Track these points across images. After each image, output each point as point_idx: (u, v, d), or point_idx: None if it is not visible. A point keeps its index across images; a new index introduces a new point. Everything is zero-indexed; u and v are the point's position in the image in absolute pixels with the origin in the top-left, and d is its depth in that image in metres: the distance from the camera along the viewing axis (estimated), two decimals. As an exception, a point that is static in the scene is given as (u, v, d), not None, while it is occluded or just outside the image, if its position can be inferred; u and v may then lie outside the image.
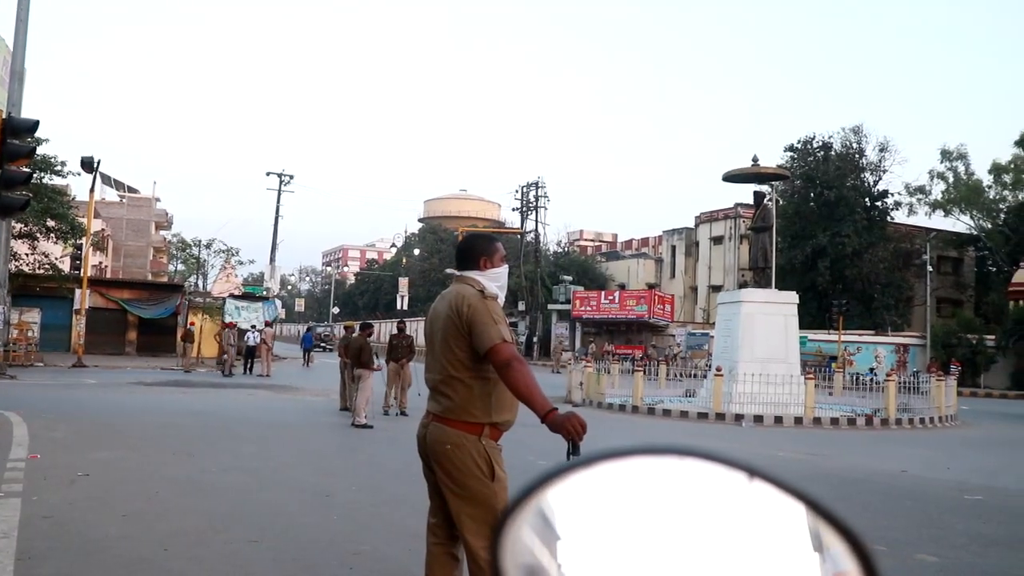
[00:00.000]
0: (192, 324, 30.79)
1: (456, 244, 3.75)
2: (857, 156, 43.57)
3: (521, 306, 49.89)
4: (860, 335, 38.87)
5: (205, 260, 51.18)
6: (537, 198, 50.87)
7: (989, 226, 43.04)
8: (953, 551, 5.98)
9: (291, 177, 45.45)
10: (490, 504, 3.11)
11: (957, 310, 44.93)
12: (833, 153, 43.40)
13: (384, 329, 48.82)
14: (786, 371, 16.96)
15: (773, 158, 41.23)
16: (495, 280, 3.41)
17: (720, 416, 16.45)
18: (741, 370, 16.76)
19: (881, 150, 43.76)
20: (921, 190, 44.11)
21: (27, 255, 29.49)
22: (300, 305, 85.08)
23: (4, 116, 11.52)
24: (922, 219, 45.11)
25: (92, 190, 28.65)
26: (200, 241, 51.90)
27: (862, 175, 43.42)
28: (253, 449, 9.91)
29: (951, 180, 43.39)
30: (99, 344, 31.41)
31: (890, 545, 5.82)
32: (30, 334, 27.52)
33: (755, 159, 19.78)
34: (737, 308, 18.10)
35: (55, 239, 30.08)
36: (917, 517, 7.23)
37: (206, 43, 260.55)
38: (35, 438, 9.64)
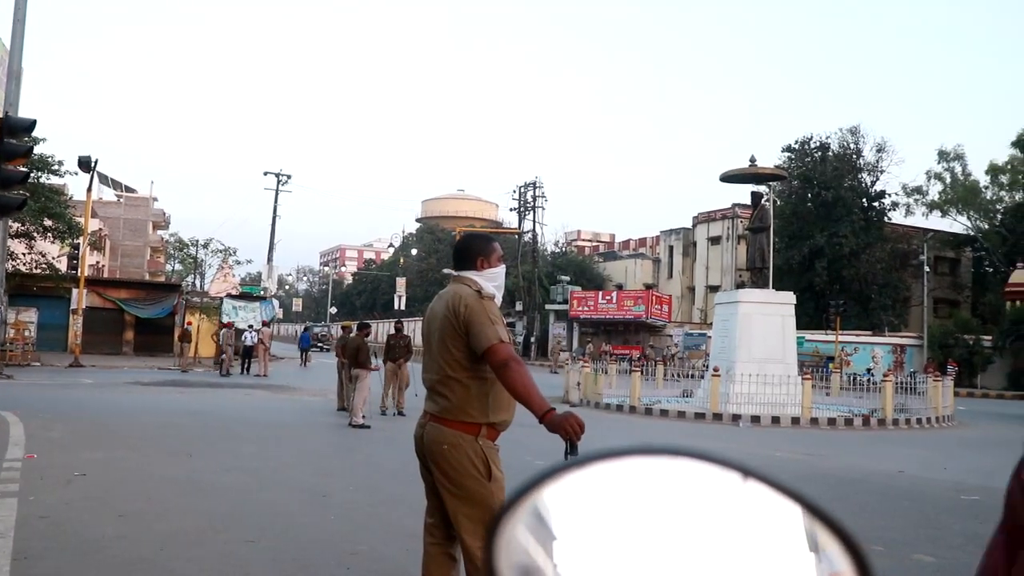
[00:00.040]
0: (189, 324, 30.78)
1: (453, 244, 3.74)
2: (854, 157, 43.61)
3: (519, 306, 49.88)
4: (857, 335, 38.91)
5: (202, 260, 51.21)
6: (535, 198, 50.86)
7: (986, 227, 43.13)
8: (950, 551, 5.98)
9: (289, 177, 45.43)
10: (487, 504, 3.11)
11: (954, 310, 44.99)
12: (830, 154, 43.43)
13: (381, 329, 48.82)
14: (783, 371, 16.97)
15: (771, 158, 41.35)
16: (492, 280, 3.41)
17: (717, 416, 16.46)
18: (738, 370, 16.77)
19: (878, 151, 43.85)
20: (918, 191, 44.22)
21: (24, 254, 29.45)
22: (298, 305, 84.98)
23: (1, 115, 11.50)
24: (919, 220, 45.27)
25: (89, 190, 28.66)
26: (198, 241, 51.96)
27: (859, 176, 43.46)
28: (250, 449, 9.90)
29: (948, 181, 43.48)
30: (96, 344, 31.37)
31: (887, 545, 5.83)
32: (27, 334, 27.50)
33: (752, 159, 19.81)
34: (734, 308, 18.12)
35: (52, 239, 30.05)
36: (914, 517, 7.24)
37: (204, 43, 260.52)
38: (32, 438, 9.63)
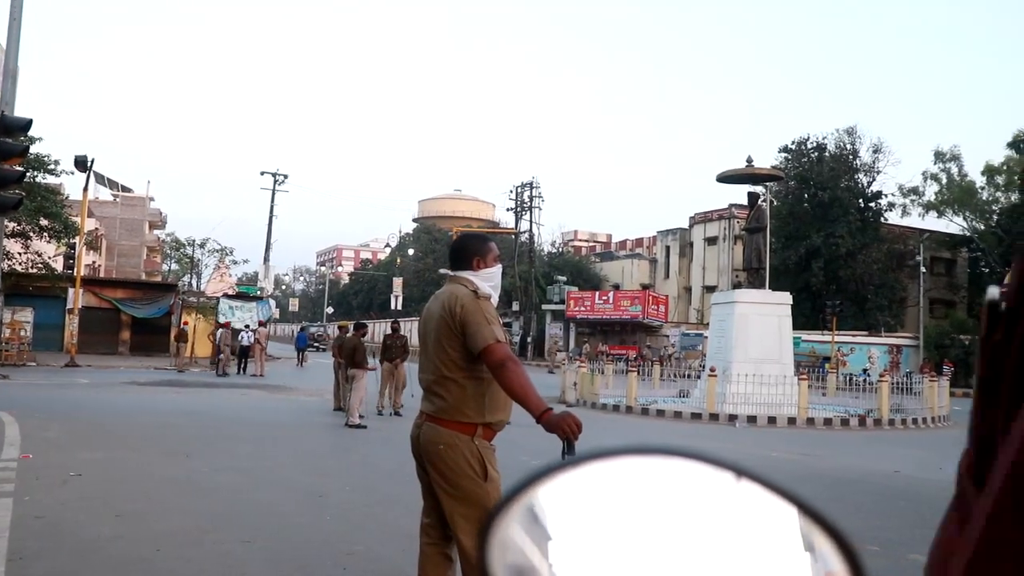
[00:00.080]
0: (186, 324, 30.75)
1: (450, 244, 3.75)
2: (851, 157, 43.71)
3: (515, 306, 49.90)
4: (853, 336, 38.98)
5: (199, 260, 51.00)
6: (531, 198, 50.92)
7: (982, 227, 43.19)
8: (945, 551, 5.98)
9: (285, 177, 45.37)
10: (483, 504, 3.11)
11: (950, 311, 45.08)
12: (827, 154, 43.52)
13: (378, 329, 48.82)
14: (780, 371, 16.99)
15: (769, 159, 41.40)
16: (488, 280, 3.41)
17: (714, 416, 16.47)
18: (735, 370, 16.79)
19: (875, 151, 43.97)
20: (914, 191, 44.28)
21: (20, 254, 29.40)
22: (294, 305, 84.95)
23: (-3, 115, 11.49)
24: (915, 220, 45.34)
25: (85, 189, 28.61)
26: (194, 241, 51.67)
27: (856, 176, 43.58)
28: (247, 449, 9.89)
29: (944, 181, 43.54)
30: (92, 344, 31.30)
31: (883, 545, 5.84)
32: (23, 333, 27.46)
33: (749, 160, 19.84)
34: (731, 309, 18.13)
35: (48, 238, 29.99)
36: (910, 517, 7.25)
37: (203, 43, 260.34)
38: (27, 438, 9.61)
